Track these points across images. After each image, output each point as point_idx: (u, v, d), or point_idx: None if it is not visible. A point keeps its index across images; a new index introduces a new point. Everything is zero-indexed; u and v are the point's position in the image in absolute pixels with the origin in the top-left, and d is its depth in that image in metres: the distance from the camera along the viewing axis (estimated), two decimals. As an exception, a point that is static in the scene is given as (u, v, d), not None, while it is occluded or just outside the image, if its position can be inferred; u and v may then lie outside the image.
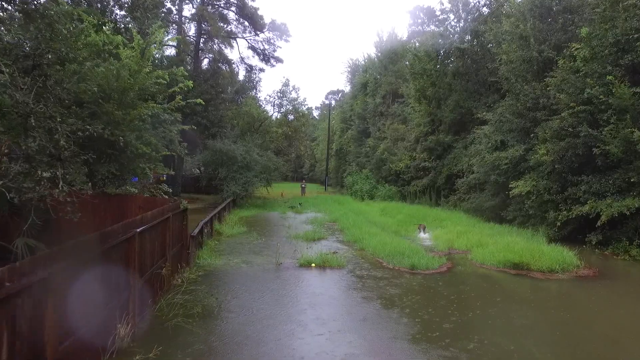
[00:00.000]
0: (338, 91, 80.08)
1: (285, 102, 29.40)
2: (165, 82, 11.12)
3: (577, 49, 13.28)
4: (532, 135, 14.93)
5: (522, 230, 13.74)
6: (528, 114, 15.21)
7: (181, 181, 27.24)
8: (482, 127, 18.55)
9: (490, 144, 17.58)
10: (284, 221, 17.01)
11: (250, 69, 29.29)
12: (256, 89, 38.05)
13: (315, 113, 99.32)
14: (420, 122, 26.76)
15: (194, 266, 8.65)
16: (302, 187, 32.74)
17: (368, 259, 10.01)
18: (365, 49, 67.57)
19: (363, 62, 46.83)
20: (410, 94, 30.94)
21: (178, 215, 7.96)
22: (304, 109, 30.48)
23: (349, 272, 8.76)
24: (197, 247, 9.96)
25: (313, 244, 11.70)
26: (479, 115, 19.45)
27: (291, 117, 30.65)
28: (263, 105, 31.72)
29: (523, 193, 14.04)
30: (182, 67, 10.75)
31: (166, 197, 11.09)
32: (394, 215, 18.19)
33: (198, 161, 21.10)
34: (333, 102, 71.87)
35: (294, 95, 29.27)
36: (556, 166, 12.85)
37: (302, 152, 32.65)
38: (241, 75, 35.05)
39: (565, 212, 12.00)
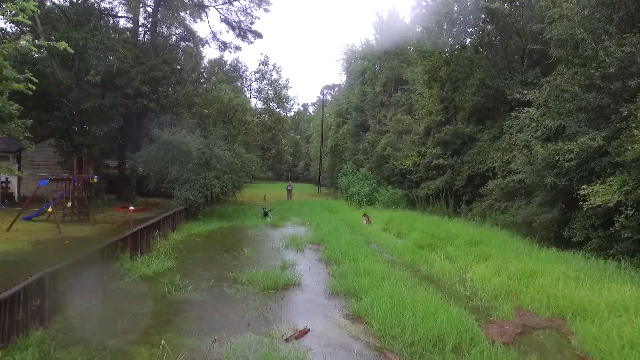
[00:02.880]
0: (334, 85, 74.87)
1: (266, 87, 24.14)
2: None
3: None
4: (615, 115, 9.90)
5: (610, 262, 8.69)
6: (608, 86, 10.11)
7: (136, 182, 22.06)
8: (525, 109, 13.48)
9: (539, 131, 12.50)
10: (248, 242, 11.87)
11: (224, 46, 24.15)
12: (243, 79, 32.87)
13: (311, 109, 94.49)
14: (431, 109, 21.66)
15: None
16: (288, 189, 27.59)
17: (370, 356, 4.85)
18: (362, 35, 62.26)
19: (360, 48, 41.78)
20: (417, 78, 25.92)
21: None
22: (288, 93, 25.23)
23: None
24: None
25: (272, 301, 6.57)
26: (516, 94, 14.38)
27: (274, 105, 25.39)
28: (246, 92, 26.37)
29: (610, 204, 8.99)
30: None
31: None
32: (404, 231, 13.07)
33: (140, 157, 15.90)
34: (329, 97, 67.04)
35: (275, 76, 23.97)
36: (682, 162, 7.79)
37: (285, 147, 27.24)
38: (218, 57, 29.93)
39: None
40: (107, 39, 15.71)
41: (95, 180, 15.25)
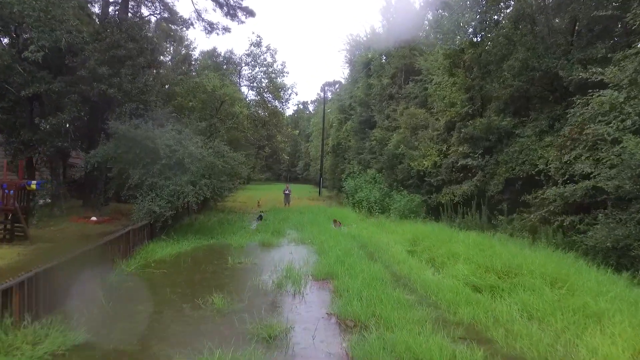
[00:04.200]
0: (335, 82, 71.50)
1: (259, 74, 20.57)
2: None
3: None
4: None
5: None
6: None
7: (104, 186, 18.57)
8: (597, 92, 10.10)
9: (628, 121, 9.13)
10: (225, 278, 8.47)
11: (210, 28, 20.59)
12: (235, 67, 29.20)
13: (311, 107, 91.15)
14: (455, 100, 18.24)
15: None
16: (285, 193, 24.12)
17: None
18: (367, 24, 58.90)
19: (365, 38, 38.39)
20: (432, 67, 22.62)
21: None
22: (284, 80, 21.57)
23: None
24: None
25: None
26: (581, 74, 11.01)
27: (268, 96, 21.83)
28: (236, 80, 22.67)
29: None
30: None
31: None
32: (440, 257, 9.61)
33: (94, 156, 12.48)
34: (329, 94, 63.89)
35: (268, 59, 20.36)
36: None
37: (280, 145, 23.55)
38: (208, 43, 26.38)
39: None
40: (53, 6, 12.26)
41: (33, 186, 11.80)
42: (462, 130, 16.96)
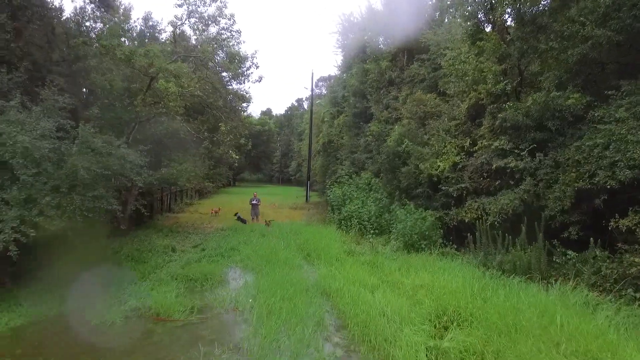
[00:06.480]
0: (330, 77, 65.96)
1: (211, 45, 14.70)
2: None
3: None
4: None
5: None
6: None
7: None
8: None
9: None
10: None
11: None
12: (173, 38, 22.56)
13: (305, 105, 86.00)
14: (485, 72, 12.63)
15: None
16: (252, 204, 18.47)
17: None
18: (362, 3, 52.94)
19: (360, 18, 33.00)
20: (449, 40, 17.28)
21: None
22: (241, 49, 15.59)
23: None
24: None
25: None
26: None
27: (225, 76, 16.08)
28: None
29: None
30: None
31: None
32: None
33: None
34: (324, 90, 58.66)
35: (211, 11, 14.39)
36: None
37: (227, 138, 17.37)
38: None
39: None
40: None
41: None
42: (498, 115, 11.41)
